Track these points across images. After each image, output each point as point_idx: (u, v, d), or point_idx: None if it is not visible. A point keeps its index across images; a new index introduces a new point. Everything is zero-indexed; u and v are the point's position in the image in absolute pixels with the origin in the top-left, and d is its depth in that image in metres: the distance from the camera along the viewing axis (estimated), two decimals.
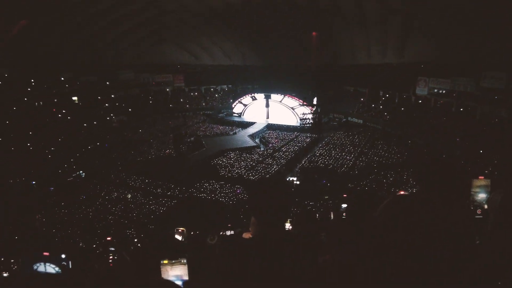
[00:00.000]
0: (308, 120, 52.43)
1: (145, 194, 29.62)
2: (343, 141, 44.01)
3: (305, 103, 55.55)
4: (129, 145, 44.43)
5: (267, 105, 59.56)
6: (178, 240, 7.48)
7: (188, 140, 47.26)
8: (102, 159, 38.90)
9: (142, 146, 44.23)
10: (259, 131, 52.65)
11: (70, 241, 18.69)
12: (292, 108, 56.00)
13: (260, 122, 57.45)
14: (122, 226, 22.42)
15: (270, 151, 41.39)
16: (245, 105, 62.60)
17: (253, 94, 61.66)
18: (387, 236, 1.43)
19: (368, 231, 1.52)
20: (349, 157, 36.95)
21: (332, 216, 8.15)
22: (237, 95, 65.05)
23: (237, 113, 62.68)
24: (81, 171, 34.70)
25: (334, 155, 37.98)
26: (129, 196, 29.25)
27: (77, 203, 27.44)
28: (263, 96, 59.97)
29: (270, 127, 55.19)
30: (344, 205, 7.49)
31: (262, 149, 43.27)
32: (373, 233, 1.49)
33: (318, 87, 60.79)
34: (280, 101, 57.84)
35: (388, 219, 1.46)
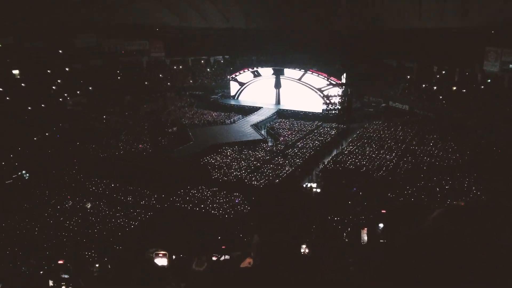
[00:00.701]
0: (334, 106, 52.31)
1: (111, 204, 29.89)
2: (382, 134, 43.88)
3: (337, 81, 55.22)
4: (89, 136, 44.79)
5: (278, 85, 59.54)
6: (159, 266, 7.52)
7: (170, 130, 47.44)
8: (53, 155, 39.19)
9: (107, 138, 44.57)
10: (266, 119, 52.69)
11: (8, 265, 18.95)
12: (320, 90, 55.28)
13: (267, 107, 57.56)
14: (79, 246, 22.64)
15: (281, 146, 41.50)
16: (241, 84, 62.56)
17: (255, 69, 61.74)
18: (434, 253, 1.45)
19: (409, 247, 1.53)
20: (390, 156, 36.86)
21: (364, 237, 8.17)
22: (236, 69, 65.07)
23: (231, 95, 63.25)
24: (24, 171, 34.99)
25: (369, 153, 37.95)
26: (89, 205, 29.48)
27: (19, 214, 27.72)
28: (272, 72, 59.98)
29: (281, 114, 55.19)
30: (381, 225, 7.49)
31: (270, 144, 43.38)
32: (415, 248, 1.51)
33: (349, 60, 60.42)
34: (299, 79, 57.65)
35: (437, 233, 1.47)
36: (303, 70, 57.35)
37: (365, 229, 7.95)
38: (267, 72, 60.68)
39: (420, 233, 1.45)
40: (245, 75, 62.52)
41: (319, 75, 56.30)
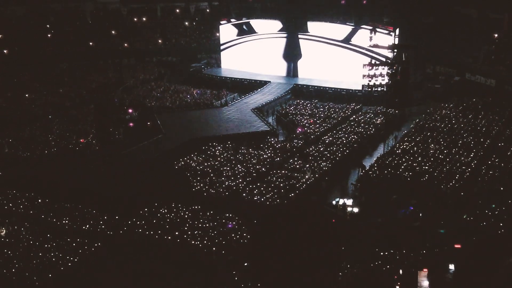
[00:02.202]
0: (379, 80, 51.89)
1: (37, 229, 29.70)
2: (455, 124, 43.77)
3: (388, 27, 54.52)
4: (1, 126, 44.93)
5: (294, 52, 59.30)
6: None
7: (128, 117, 47.48)
8: None
9: (31, 129, 44.59)
10: (275, 100, 52.77)
11: None
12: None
13: (277, 82, 57.64)
14: None
15: (298, 142, 41.49)
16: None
17: (244, 19, 61.87)
18: None
19: None
20: (466, 158, 36.82)
21: (424, 283, 8.36)
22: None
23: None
24: None
25: (435, 153, 37.83)
26: (3, 232, 29.51)
27: None
28: (280, 27, 59.86)
29: (299, 92, 55.13)
30: (452, 266, 7.65)
31: (281, 138, 43.38)
32: None
33: (405, 8, 59.85)
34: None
35: None
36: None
37: (424, 271, 8.14)
38: (268, 28, 60.93)
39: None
40: (222, 31, 63.27)
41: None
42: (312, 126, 45.07)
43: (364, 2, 59.58)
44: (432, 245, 24.65)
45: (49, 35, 65.23)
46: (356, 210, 29.96)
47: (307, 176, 35.18)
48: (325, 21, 58.70)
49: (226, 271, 24.24)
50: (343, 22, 57.70)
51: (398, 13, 59.80)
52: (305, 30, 59.29)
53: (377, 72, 52.10)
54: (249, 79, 58.59)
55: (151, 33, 69.74)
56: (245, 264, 23.92)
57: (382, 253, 24.40)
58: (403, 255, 24.02)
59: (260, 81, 57.71)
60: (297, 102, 52.51)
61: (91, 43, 65.57)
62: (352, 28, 57.39)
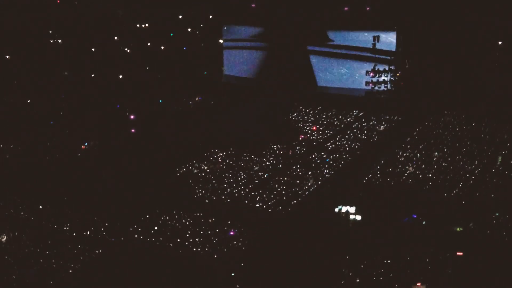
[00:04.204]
0: (382, 86, 51.75)
1: (38, 236, 29.75)
2: (458, 131, 43.58)
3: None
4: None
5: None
6: None
7: (131, 120, 47.46)
8: None
9: (31, 134, 44.61)
10: (278, 105, 52.28)
11: None
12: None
13: (279, 87, 56.99)
14: None
15: (301, 149, 41.53)
16: None
17: None
18: None
19: None
20: (470, 166, 36.79)
21: None
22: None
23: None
24: None
25: (438, 160, 37.90)
26: (4, 238, 29.46)
27: None
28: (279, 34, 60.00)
29: (301, 97, 54.80)
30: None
31: (283, 144, 43.22)
32: None
33: (407, 17, 59.59)
34: None
35: None
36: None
37: (419, 285, 8.16)
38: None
39: None
40: None
41: None
42: (315, 133, 44.97)
43: (368, 8, 59.27)
44: (434, 253, 24.61)
45: (51, 41, 65.22)
46: (358, 218, 29.86)
47: (309, 184, 35.16)
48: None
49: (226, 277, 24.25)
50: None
51: (401, 19, 59.67)
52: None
53: (381, 79, 52.19)
54: (250, 84, 58.41)
55: (153, 38, 69.68)
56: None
57: (384, 261, 24.36)
58: (406, 263, 23.95)
59: (262, 86, 57.46)
60: (300, 109, 52.35)
61: (93, 49, 65.50)
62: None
